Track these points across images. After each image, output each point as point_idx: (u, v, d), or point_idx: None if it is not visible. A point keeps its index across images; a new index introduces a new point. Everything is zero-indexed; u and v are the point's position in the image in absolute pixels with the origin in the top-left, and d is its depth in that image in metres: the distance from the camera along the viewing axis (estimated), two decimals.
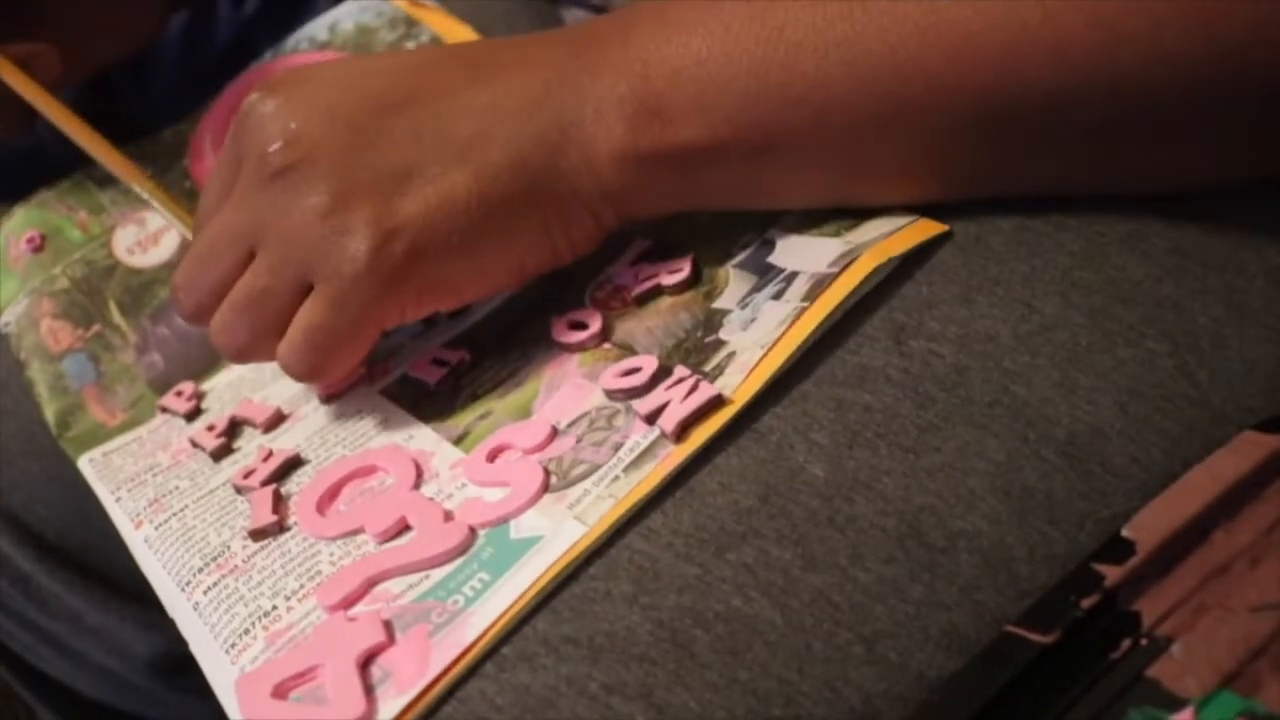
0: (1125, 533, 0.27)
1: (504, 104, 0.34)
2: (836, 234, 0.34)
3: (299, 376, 0.36)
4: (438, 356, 0.39)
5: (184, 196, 0.50)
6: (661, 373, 0.33)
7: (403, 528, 0.33)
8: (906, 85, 0.30)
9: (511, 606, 0.29)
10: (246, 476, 0.37)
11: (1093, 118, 0.30)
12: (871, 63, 0.31)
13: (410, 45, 0.52)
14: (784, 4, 0.32)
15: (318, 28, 0.53)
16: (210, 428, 0.41)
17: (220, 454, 0.40)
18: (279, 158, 0.34)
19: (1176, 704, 0.24)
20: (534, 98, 0.34)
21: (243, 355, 0.37)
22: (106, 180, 0.50)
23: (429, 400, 0.38)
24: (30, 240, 0.49)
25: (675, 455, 0.30)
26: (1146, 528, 0.27)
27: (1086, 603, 0.26)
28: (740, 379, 0.31)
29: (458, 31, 0.52)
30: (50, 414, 0.45)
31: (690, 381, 0.32)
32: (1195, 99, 0.29)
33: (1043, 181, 0.33)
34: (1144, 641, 0.26)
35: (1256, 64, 0.28)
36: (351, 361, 0.36)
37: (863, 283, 0.32)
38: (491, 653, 0.28)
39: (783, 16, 0.32)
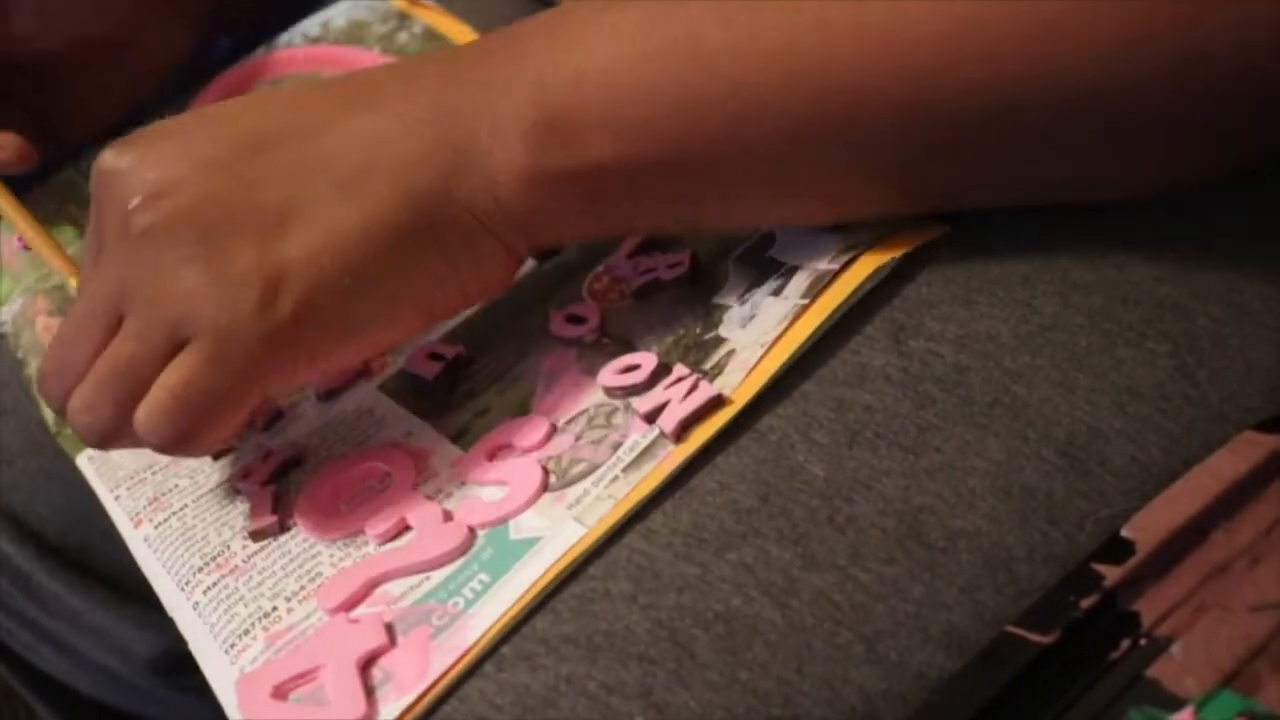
0: (1125, 533, 0.27)
1: (387, 130, 0.31)
2: (836, 229, 0.34)
3: (162, 443, 0.31)
4: (434, 350, 0.39)
5: None
6: (661, 370, 0.33)
7: (403, 528, 0.33)
8: (831, 87, 0.28)
9: (511, 608, 0.29)
10: (246, 476, 0.37)
11: (1034, 121, 0.28)
12: (793, 63, 0.28)
13: (403, 36, 0.51)
14: (691, 4, 0.29)
15: (310, 24, 0.53)
16: None
17: (219, 452, 0.40)
18: (141, 214, 0.31)
19: (1176, 704, 0.24)
20: (421, 119, 0.31)
21: (107, 438, 0.33)
22: None
23: (427, 395, 0.38)
24: (21, 238, 0.49)
25: (675, 455, 0.30)
26: (1146, 527, 0.27)
27: (1086, 603, 0.26)
28: (740, 378, 0.31)
29: (453, 27, 0.52)
30: (48, 412, 0.45)
31: (690, 380, 0.32)
32: (1141, 100, 0.27)
33: (986, 193, 0.31)
34: (1143, 641, 0.26)
35: (1202, 63, 0.26)
36: (225, 429, 0.32)
37: (864, 283, 0.32)
38: (491, 652, 0.29)
39: (691, 17, 0.29)
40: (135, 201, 0.31)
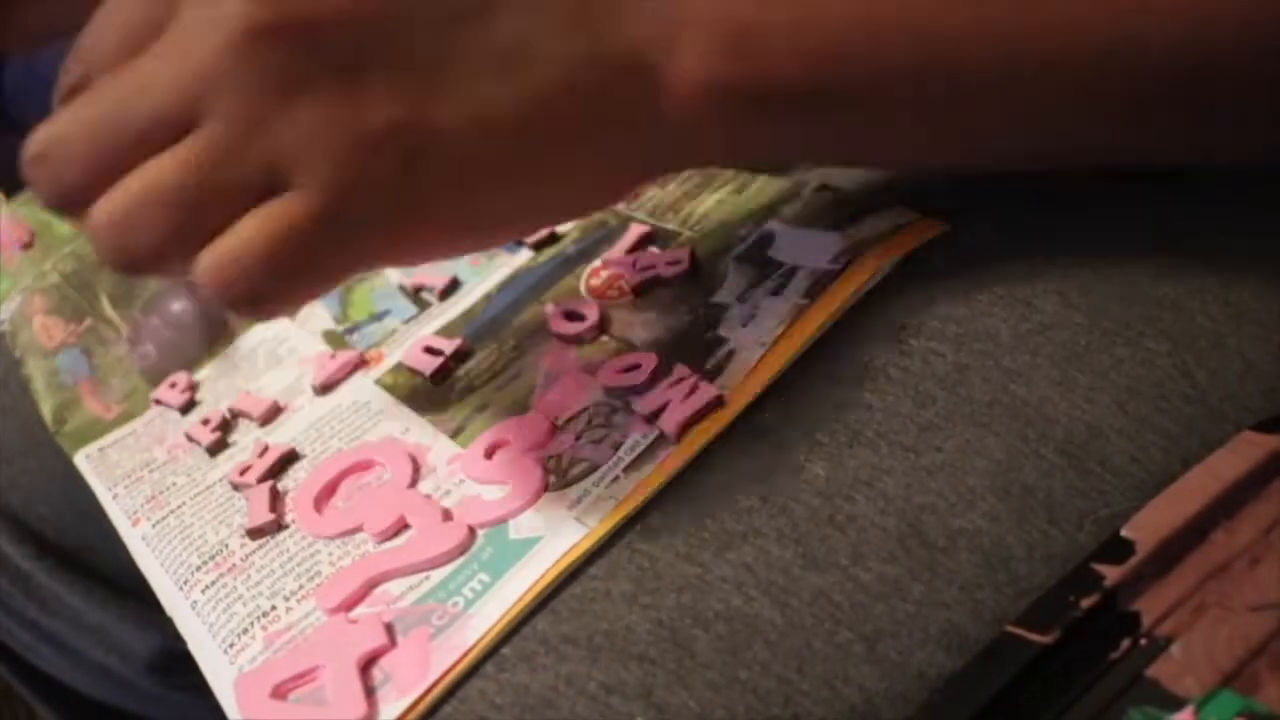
0: (1125, 532, 0.27)
1: (554, 18, 0.28)
2: (836, 228, 0.34)
3: (232, 294, 0.26)
4: (431, 345, 0.39)
5: None
6: (661, 370, 0.33)
7: (401, 527, 0.33)
8: (1035, 29, 0.27)
9: (511, 609, 0.29)
10: (243, 473, 0.37)
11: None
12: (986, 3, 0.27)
13: None
14: None
15: None
16: (205, 421, 0.41)
17: (216, 449, 0.40)
18: (269, 6, 0.25)
19: (1176, 704, 0.24)
20: (592, 15, 0.28)
21: (143, 264, 0.26)
22: None
23: (424, 391, 0.38)
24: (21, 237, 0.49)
25: (676, 456, 0.30)
26: (1146, 527, 0.27)
27: (1086, 602, 0.26)
28: (740, 378, 0.31)
29: None
30: (46, 410, 0.45)
31: (690, 381, 0.32)
32: None
33: (1153, 152, 0.30)
34: (1143, 641, 0.26)
35: None
36: (306, 298, 0.27)
37: (864, 283, 0.32)
38: (491, 652, 0.28)
39: None
40: None
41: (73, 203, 0.27)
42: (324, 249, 0.26)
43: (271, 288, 0.26)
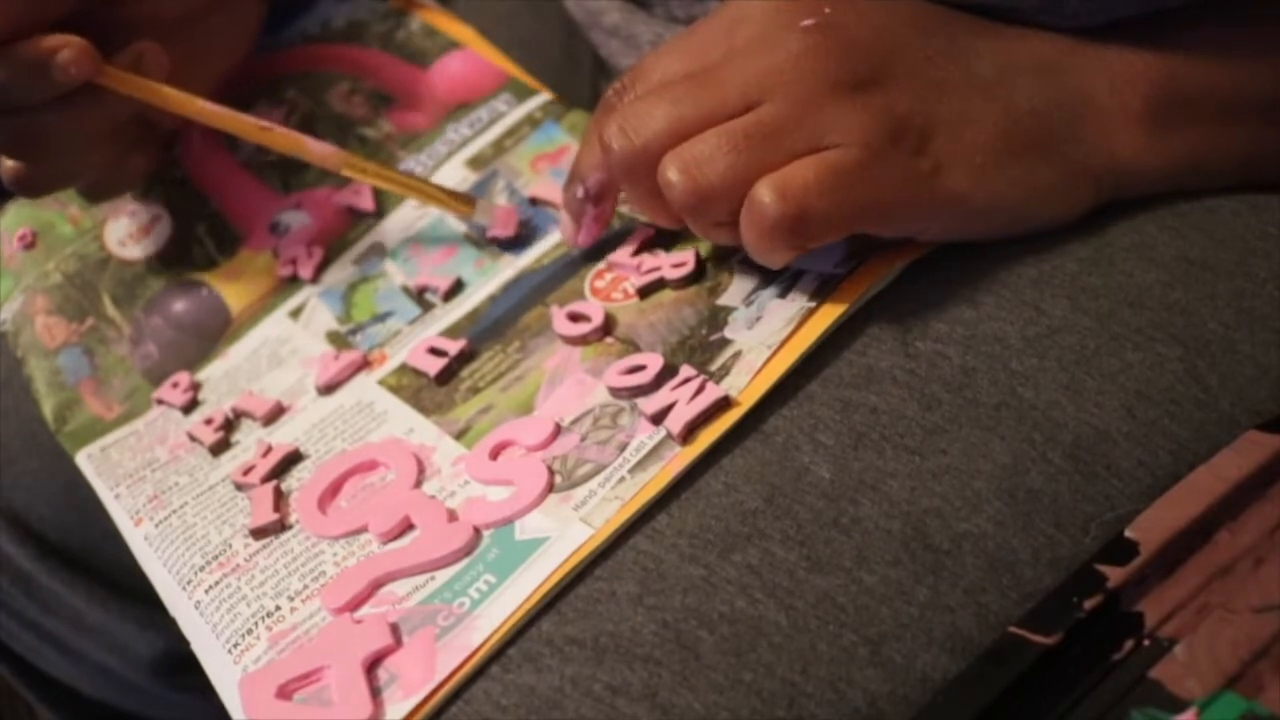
0: (1128, 533, 0.27)
1: (1020, 59, 0.34)
2: None
3: (787, 210, 0.30)
4: (435, 346, 0.39)
5: (174, 185, 0.49)
6: (666, 372, 0.33)
7: (406, 527, 0.33)
8: None
9: (518, 610, 0.29)
10: (246, 473, 0.37)
11: None
12: None
13: (401, 34, 0.51)
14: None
15: (310, 23, 0.52)
16: (208, 421, 0.41)
17: (219, 449, 0.40)
18: (814, 31, 0.32)
19: (1179, 705, 0.24)
20: (1048, 61, 0.34)
21: (709, 193, 0.31)
22: None
23: (428, 391, 0.38)
24: (22, 237, 0.48)
25: (682, 458, 0.30)
26: (1150, 528, 0.27)
27: (1089, 604, 0.26)
28: (746, 380, 0.31)
29: (450, 25, 0.52)
30: (48, 409, 0.45)
31: (696, 382, 0.32)
32: None
33: None
34: (1146, 642, 0.26)
35: None
36: (837, 230, 0.31)
37: (870, 287, 0.32)
38: (497, 653, 0.29)
39: None
40: (808, 21, 0.33)
41: (645, 164, 0.33)
42: (857, 189, 0.31)
43: (817, 208, 0.30)
